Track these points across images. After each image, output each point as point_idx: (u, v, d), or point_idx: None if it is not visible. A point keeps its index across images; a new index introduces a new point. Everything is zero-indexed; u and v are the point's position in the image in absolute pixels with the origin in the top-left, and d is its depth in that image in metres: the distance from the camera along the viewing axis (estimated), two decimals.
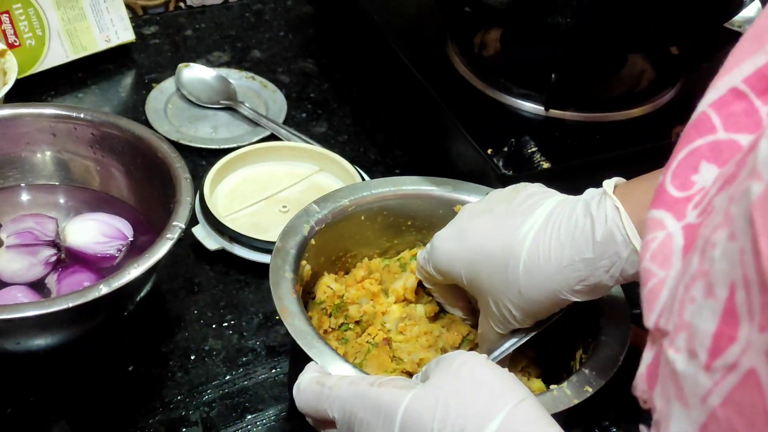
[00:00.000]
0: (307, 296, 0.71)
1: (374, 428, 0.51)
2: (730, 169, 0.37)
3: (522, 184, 0.65)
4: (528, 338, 0.64)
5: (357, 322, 0.69)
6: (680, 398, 0.32)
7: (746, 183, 0.30)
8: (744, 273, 0.29)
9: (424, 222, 0.74)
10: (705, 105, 0.41)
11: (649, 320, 0.39)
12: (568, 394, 0.59)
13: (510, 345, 0.64)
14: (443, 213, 0.73)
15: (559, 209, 0.59)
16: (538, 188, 0.64)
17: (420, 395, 0.50)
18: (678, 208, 0.41)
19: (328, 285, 0.70)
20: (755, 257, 0.28)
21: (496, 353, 0.65)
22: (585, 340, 0.66)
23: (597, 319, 0.65)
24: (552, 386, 0.61)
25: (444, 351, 0.68)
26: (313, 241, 0.68)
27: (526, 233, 0.59)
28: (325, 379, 0.54)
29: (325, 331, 0.69)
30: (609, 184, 0.58)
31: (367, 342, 0.67)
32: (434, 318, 0.71)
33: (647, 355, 0.39)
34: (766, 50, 0.37)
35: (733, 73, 0.39)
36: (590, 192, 0.59)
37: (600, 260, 0.56)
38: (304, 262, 0.67)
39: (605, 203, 0.56)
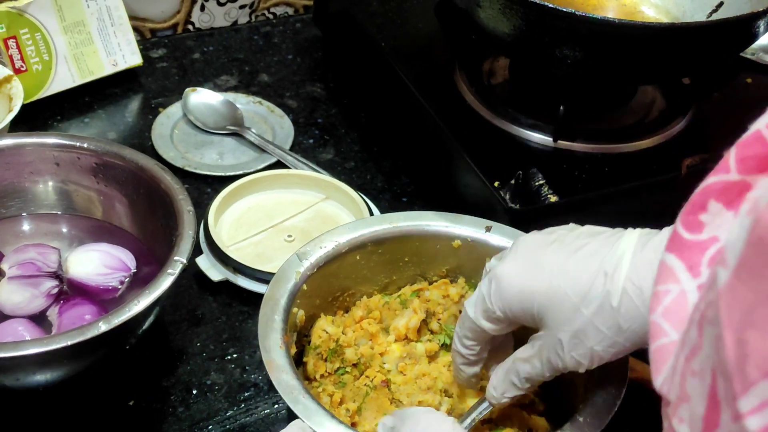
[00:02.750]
0: (304, 340, 0.70)
1: None
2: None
3: (573, 225, 0.61)
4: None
5: (354, 365, 0.68)
6: None
7: (717, 267, 0.30)
8: (719, 360, 0.29)
9: (422, 257, 0.73)
10: (734, 145, 0.40)
11: (657, 382, 0.38)
12: (588, 421, 0.59)
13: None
14: (440, 247, 0.73)
15: (654, 235, 0.54)
16: (598, 227, 0.60)
17: None
18: (690, 257, 0.40)
19: (323, 329, 0.69)
20: (723, 349, 0.28)
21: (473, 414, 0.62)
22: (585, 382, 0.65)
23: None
24: (579, 417, 0.59)
25: (444, 392, 0.67)
26: (305, 287, 0.67)
27: (620, 258, 0.54)
28: None
29: (322, 375, 0.68)
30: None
31: (365, 385, 0.67)
32: (434, 357, 0.70)
33: (666, 413, 0.38)
34: None
35: (764, 117, 0.38)
36: None
37: None
38: (295, 309, 0.66)
39: None
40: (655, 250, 0.53)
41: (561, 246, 0.58)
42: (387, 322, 0.71)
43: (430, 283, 0.74)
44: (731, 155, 0.39)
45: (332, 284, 0.70)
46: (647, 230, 0.56)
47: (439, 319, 0.72)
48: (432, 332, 0.72)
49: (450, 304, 0.73)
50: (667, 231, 0.55)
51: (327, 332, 0.69)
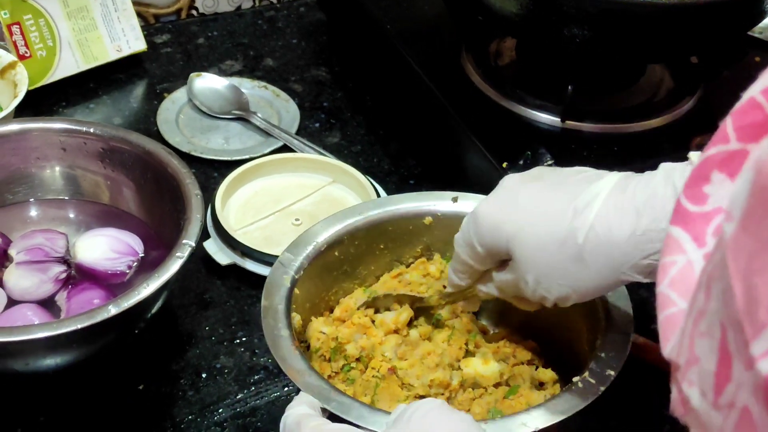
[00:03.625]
0: (302, 345, 0.70)
1: None
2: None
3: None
4: None
5: (358, 360, 0.68)
6: (704, 430, 0.32)
7: (723, 223, 0.30)
8: (728, 313, 0.29)
9: (397, 242, 0.73)
10: (729, 114, 0.40)
11: (666, 349, 0.38)
12: (593, 382, 0.59)
13: None
14: (413, 228, 0.73)
15: (630, 180, 0.55)
16: (585, 167, 0.60)
17: None
18: (695, 228, 0.41)
19: (320, 330, 0.69)
20: (733, 299, 0.28)
21: None
22: (590, 327, 0.66)
23: (598, 308, 0.65)
24: (574, 378, 0.60)
25: (452, 366, 0.67)
26: (297, 291, 0.67)
27: (593, 197, 0.55)
28: (305, 422, 0.54)
29: (329, 377, 0.67)
30: (694, 155, 0.55)
31: (373, 376, 0.66)
32: (430, 337, 0.70)
33: (675, 380, 0.39)
34: None
35: (757, 84, 0.38)
36: (669, 164, 0.56)
37: None
38: (294, 314, 0.66)
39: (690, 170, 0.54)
40: (631, 198, 0.54)
41: (539, 183, 0.59)
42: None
43: (407, 266, 0.74)
44: (728, 124, 0.39)
45: (318, 285, 0.70)
46: (629, 174, 0.56)
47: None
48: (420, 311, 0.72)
49: (432, 281, 0.73)
50: (647, 175, 0.56)
51: (324, 333, 0.68)
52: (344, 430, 0.54)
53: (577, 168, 0.60)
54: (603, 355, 0.61)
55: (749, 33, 0.97)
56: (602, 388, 0.59)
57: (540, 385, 0.67)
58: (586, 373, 0.60)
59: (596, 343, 0.64)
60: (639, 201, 0.54)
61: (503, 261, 0.62)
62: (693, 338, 0.34)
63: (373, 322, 0.70)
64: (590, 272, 0.56)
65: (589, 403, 0.58)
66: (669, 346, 0.38)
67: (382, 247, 0.73)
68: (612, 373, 0.60)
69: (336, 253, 0.71)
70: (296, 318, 0.66)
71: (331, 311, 0.72)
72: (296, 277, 0.67)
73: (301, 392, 0.57)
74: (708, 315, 0.32)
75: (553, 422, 0.57)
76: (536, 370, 0.68)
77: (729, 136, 0.39)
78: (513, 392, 0.65)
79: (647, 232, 0.53)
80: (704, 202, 0.40)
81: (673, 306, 0.39)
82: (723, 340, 0.30)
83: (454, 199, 0.73)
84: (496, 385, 0.66)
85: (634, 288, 0.66)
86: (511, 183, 0.61)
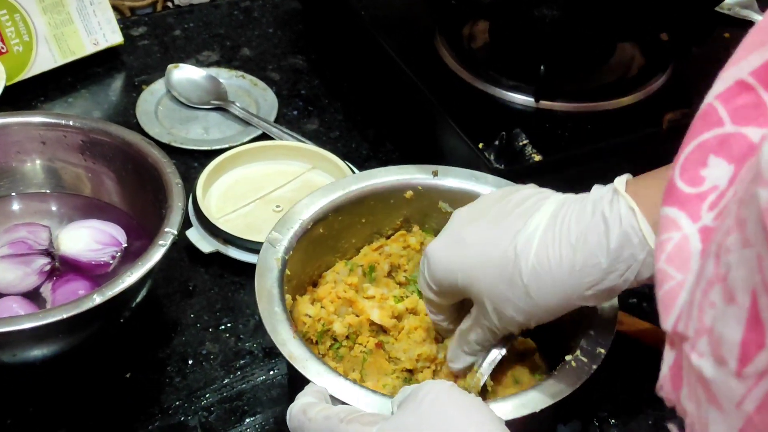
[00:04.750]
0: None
1: None
2: (741, 171, 0.37)
3: (513, 187, 0.63)
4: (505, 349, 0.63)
5: (347, 337, 0.68)
6: (713, 403, 0.32)
7: (753, 188, 0.30)
8: (764, 279, 0.28)
9: (377, 215, 0.74)
10: (711, 97, 0.40)
11: (667, 323, 0.38)
12: (585, 361, 0.60)
13: (493, 358, 0.63)
14: (393, 201, 0.73)
15: (565, 209, 0.57)
16: (531, 190, 0.61)
17: (383, 430, 0.50)
18: (691, 207, 0.41)
19: (305, 314, 0.68)
20: None
21: (485, 365, 0.63)
22: (573, 318, 0.66)
23: None
24: (567, 357, 0.61)
25: (437, 340, 0.68)
26: (288, 272, 0.66)
27: (532, 235, 0.56)
28: (310, 409, 0.54)
29: (322, 355, 0.67)
30: (620, 182, 0.56)
31: (361, 352, 0.67)
32: (415, 311, 0.70)
33: (668, 357, 0.38)
34: None
35: (741, 65, 0.38)
36: (598, 190, 0.57)
37: (615, 264, 0.54)
38: (287, 296, 0.65)
39: (618, 204, 0.54)
40: (566, 234, 0.55)
41: (484, 220, 0.60)
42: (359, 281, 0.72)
43: (387, 238, 0.75)
44: (718, 107, 0.39)
45: (305, 263, 0.70)
46: (564, 201, 0.58)
47: (405, 270, 0.73)
48: (400, 284, 0.73)
49: (413, 253, 0.74)
50: (579, 203, 0.57)
51: (310, 316, 0.68)
52: (349, 411, 0.54)
53: (520, 193, 0.61)
54: (592, 332, 0.61)
55: (717, 9, 0.98)
56: (594, 367, 0.59)
57: (521, 356, 0.68)
58: (578, 352, 0.60)
59: (579, 315, 0.63)
60: (573, 236, 0.55)
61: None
62: (703, 309, 0.33)
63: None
64: (540, 305, 0.57)
65: (583, 382, 0.58)
66: (672, 319, 0.38)
67: (363, 220, 0.73)
68: (602, 351, 0.60)
69: (321, 230, 0.71)
70: (287, 299, 0.66)
71: (314, 285, 0.72)
72: (286, 257, 0.67)
73: (309, 384, 0.57)
74: (725, 283, 0.31)
75: (552, 403, 0.57)
76: (515, 339, 0.68)
77: (723, 119, 0.39)
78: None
79: (584, 268, 0.55)
80: (701, 184, 0.40)
81: (672, 280, 0.39)
82: (753, 307, 0.29)
83: (434, 173, 0.73)
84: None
85: None
86: (460, 220, 0.62)
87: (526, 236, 0.57)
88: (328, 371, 0.58)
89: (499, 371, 0.64)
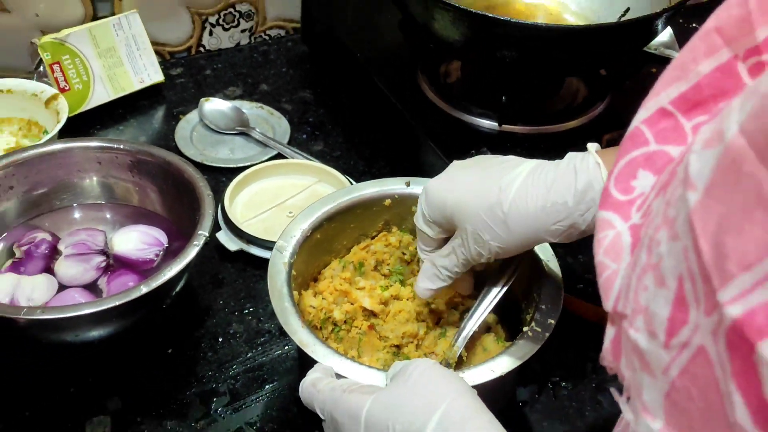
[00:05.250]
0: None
1: (347, 428, 0.51)
2: (664, 177, 0.37)
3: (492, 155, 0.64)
4: (495, 301, 0.63)
5: (345, 322, 0.68)
6: (646, 369, 0.32)
7: (680, 191, 0.30)
8: (689, 267, 0.28)
9: (363, 220, 0.73)
10: (638, 122, 0.40)
11: (608, 304, 0.38)
12: (539, 330, 0.60)
13: (467, 333, 0.63)
14: (376, 208, 0.73)
15: (543, 165, 0.57)
16: (514, 156, 0.62)
17: (379, 398, 0.50)
18: (623, 211, 0.41)
19: (310, 305, 0.68)
20: (697, 255, 0.27)
21: (460, 339, 0.63)
22: (527, 297, 0.67)
23: (534, 282, 0.66)
24: (524, 328, 0.61)
25: (419, 317, 0.68)
26: (294, 272, 0.66)
27: (514, 178, 0.57)
28: (318, 383, 0.54)
29: (325, 338, 0.68)
30: (592, 146, 0.57)
31: (357, 333, 0.67)
32: (398, 296, 0.70)
33: (609, 332, 0.38)
34: (689, 79, 0.37)
35: (661, 96, 0.39)
36: (573, 153, 0.58)
37: (579, 205, 0.54)
38: (294, 293, 0.65)
39: (588, 160, 0.55)
40: (543, 179, 0.56)
41: (475, 168, 0.61)
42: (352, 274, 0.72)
43: (372, 238, 0.75)
44: (645, 130, 0.40)
45: (307, 263, 0.70)
46: (543, 161, 0.58)
47: (388, 264, 0.73)
48: (385, 276, 0.73)
49: (393, 249, 0.73)
50: (556, 162, 0.57)
51: (314, 307, 0.68)
52: (351, 383, 0.54)
53: (506, 156, 0.61)
54: (543, 307, 0.62)
55: (645, 49, 0.99)
56: (547, 334, 0.60)
57: (488, 329, 0.68)
58: (533, 324, 0.60)
59: (533, 296, 0.64)
60: (549, 180, 0.56)
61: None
62: (638, 292, 0.33)
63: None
64: (513, 234, 0.57)
65: (539, 348, 0.58)
66: (611, 301, 0.38)
67: (352, 225, 0.73)
68: (552, 321, 0.61)
69: (318, 236, 0.70)
70: (295, 294, 0.66)
71: (315, 280, 0.72)
72: (291, 261, 0.66)
73: (317, 363, 0.57)
74: (657, 270, 0.31)
75: (515, 366, 0.57)
76: (498, 340, 0.68)
77: (649, 140, 0.39)
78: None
79: (554, 204, 0.55)
80: (632, 192, 0.41)
81: (608, 269, 0.39)
82: (680, 290, 0.29)
83: (407, 183, 0.73)
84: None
85: (560, 255, 0.68)
86: (456, 167, 0.63)
87: (509, 179, 0.57)
88: (332, 353, 0.58)
89: (470, 344, 0.65)
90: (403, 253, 0.73)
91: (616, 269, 0.39)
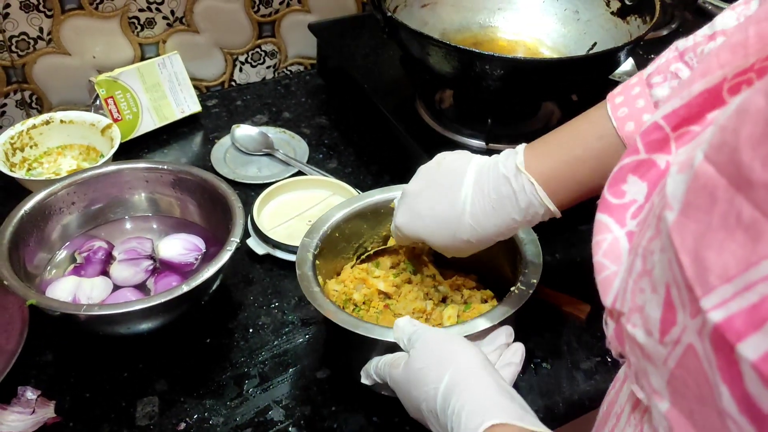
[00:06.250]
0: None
1: (398, 393, 0.55)
2: (656, 192, 0.36)
3: (441, 155, 0.63)
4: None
5: (364, 303, 0.69)
6: (648, 359, 0.31)
7: (662, 209, 0.29)
8: (674, 276, 0.28)
9: (373, 221, 0.74)
10: (637, 133, 0.40)
11: (607, 301, 0.37)
12: (524, 289, 0.61)
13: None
14: (383, 211, 0.74)
15: (484, 180, 0.58)
16: (455, 155, 0.62)
17: (405, 371, 0.53)
18: (617, 215, 0.40)
19: (334, 289, 0.70)
20: (679, 267, 0.27)
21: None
22: (510, 261, 0.68)
23: (512, 242, 0.67)
24: (512, 288, 0.62)
25: (427, 296, 0.69)
26: (318, 261, 0.68)
27: (464, 202, 0.58)
28: (377, 363, 0.58)
29: None
30: (520, 159, 0.57)
31: (374, 312, 0.68)
32: (409, 281, 0.71)
33: (610, 326, 0.38)
34: (682, 96, 0.37)
35: (660, 111, 0.38)
36: (504, 162, 0.57)
37: (524, 218, 0.57)
38: (320, 278, 0.66)
39: (521, 178, 0.56)
40: (487, 199, 0.57)
41: (429, 192, 0.61)
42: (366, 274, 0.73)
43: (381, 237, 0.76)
44: (638, 141, 0.39)
45: (327, 256, 0.71)
46: (480, 169, 0.59)
47: (402, 262, 0.74)
48: (394, 267, 0.73)
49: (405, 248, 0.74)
50: (493, 162, 0.58)
51: (336, 291, 0.70)
52: (387, 359, 0.56)
53: (447, 160, 0.61)
54: (526, 271, 0.63)
55: (611, 77, 0.99)
56: (531, 291, 0.61)
57: (484, 301, 0.69)
58: (518, 284, 0.62)
59: (518, 269, 0.65)
60: (495, 202, 0.57)
61: None
62: (634, 293, 0.33)
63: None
64: (475, 246, 0.60)
65: (525, 301, 0.60)
66: (610, 299, 0.37)
67: (365, 226, 0.74)
68: (535, 281, 0.62)
69: (336, 234, 0.71)
70: (319, 279, 0.67)
71: (338, 274, 0.73)
72: (315, 253, 0.68)
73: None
74: (651, 276, 0.31)
75: (504, 317, 0.59)
76: (480, 291, 0.70)
77: (639, 149, 0.39)
78: (468, 307, 0.67)
79: (503, 222, 0.57)
80: (623, 196, 0.40)
81: (607, 270, 0.39)
82: (668, 296, 0.29)
83: None
84: (440, 301, 0.69)
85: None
86: (412, 195, 0.63)
87: (461, 204, 0.58)
88: (351, 317, 0.60)
89: (469, 310, 0.67)
90: (414, 248, 0.73)
91: (616, 271, 0.38)
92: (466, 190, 0.58)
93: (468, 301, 0.69)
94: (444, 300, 0.70)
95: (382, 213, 0.74)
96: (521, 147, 0.58)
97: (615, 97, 0.56)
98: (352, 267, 0.72)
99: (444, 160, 0.61)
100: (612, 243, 0.39)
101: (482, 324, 0.58)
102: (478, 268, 0.73)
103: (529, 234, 0.67)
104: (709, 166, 0.26)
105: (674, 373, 0.29)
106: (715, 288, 0.25)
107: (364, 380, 0.60)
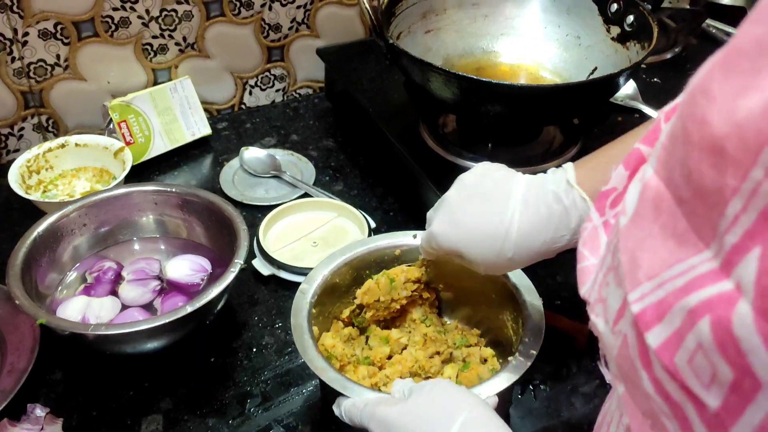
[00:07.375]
0: (321, 347, 0.66)
1: (386, 427, 0.51)
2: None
3: (484, 166, 0.59)
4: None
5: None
6: (604, 348, 0.33)
7: (621, 212, 0.31)
8: (618, 272, 0.30)
9: (376, 269, 0.71)
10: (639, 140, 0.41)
11: (582, 291, 0.38)
12: (522, 360, 0.59)
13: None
14: (386, 257, 0.72)
15: (533, 195, 0.55)
16: (498, 167, 0.59)
17: (403, 408, 0.50)
18: (598, 202, 0.41)
19: (322, 344, 0.66)
20: (618, 264, 0.29)
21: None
22: (513, 318, 0.66)
23: (517, 303, 0.65)
24: (510, 357, 0.60)
25: (428, 356, 0.67)
26: (314, 311, 0.65)
27: (512, 216, 0.54)
28: (357, 402, 0.54)
29: (342, 366, 0.66)
30: (570, 173, 0.54)
31: (375, 336, 0.67)
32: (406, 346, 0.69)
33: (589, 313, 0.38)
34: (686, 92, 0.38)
35: (665, 107, 0.39)
36: (553, 178, 0.55)
37: (575, 236, 0.54)
38: (315, 328, 0.64)
39: (573, 194, 0.54)
40: (536, 214, 0.54)
41: (472, 203, 0.57)
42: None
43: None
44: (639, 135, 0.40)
45: (325, 304, 0.68)
46: (528, 183, 0.56)
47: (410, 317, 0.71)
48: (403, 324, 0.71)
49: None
50: (541, 180, 0.56)
51: (324, 345, 0.66)
52: (379, 398, 0.53)
53: (494, 176, 0.58)
54: (526, 339, 0.61)
55: (612, 100, 0.99)
56: (529, 363, 0.59)
57: (484, 361, 0.67)
58: (517, 354, 0.59)
59: (519, 331, 0.63)
60: (545, 218, 0.54)
61: None
62: (601, 286, 0.34)
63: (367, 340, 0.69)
64: (517, 265, 0.58)
65: (522, 374, 0.58)
66: (584, 289, 0.37)
67: (367, 272, 0.71)
68: (534, 352, 0.60)
69: (337, 280, 0.69)
70: (314, 329, 0.64)
71: (336, 319, 0.70)
72: (312, 301, 0.65)
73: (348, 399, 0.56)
74: (617, 272, 0.32)
75: (506, 386, 0.57)
76: (480, 349, 0.68)
77: (621, 168, 0.40)
78: (467, 366, 0.66)
79: (553, 239, 0.55)
80: (608, 182, 0.41)
81: (586, 260, 0.39)
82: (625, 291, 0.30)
83: (414, 236, 0.72)
84: (444, 362, 0.67)
85: (540, 276, 0.67)
86: (453, 204, 0.58)
87: (508, 218, 0.55)
88: (341, 377, 0.57)
89: (468, 370, 0.66)
90: (420, 295, 0.70)
91: (595, 263, 0.38)
92: (515, 204, 0.55)
93: (467, 359, 0.67)
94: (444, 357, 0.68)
95: (386, 260, 0.71)
96: (569, 165, 0.56)
97: (669, 114, 0.56)
98: (347, 318, 0.69)
99: (488, 170, 0.58)
100: (591, 232, 0.40)
101: (482, 394, 0.56)
102: (480, 324, 0.71)
103: (521, 277, 0.65)
104: (657, 180, 0.28)
105: (617, 360, 0.30)
106: (641, 284, 0.27)
107: (335, 409, 0.57)
